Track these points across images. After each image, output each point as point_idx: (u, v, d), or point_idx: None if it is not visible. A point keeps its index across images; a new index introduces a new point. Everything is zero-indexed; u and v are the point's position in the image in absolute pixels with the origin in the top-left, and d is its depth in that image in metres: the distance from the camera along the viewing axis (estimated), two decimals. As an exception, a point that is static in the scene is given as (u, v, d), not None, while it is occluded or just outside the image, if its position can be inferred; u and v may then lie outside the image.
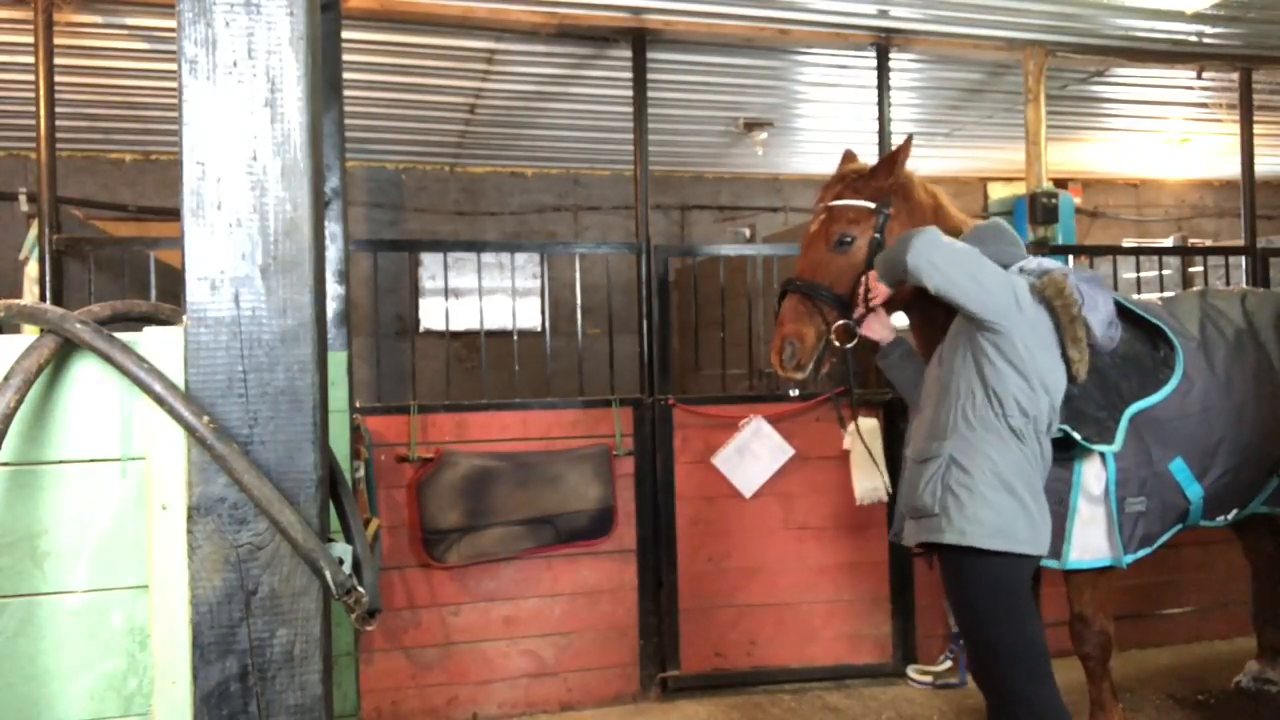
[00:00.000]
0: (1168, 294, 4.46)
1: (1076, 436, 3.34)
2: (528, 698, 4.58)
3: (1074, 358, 3.00)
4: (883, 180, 3.47)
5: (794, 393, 4.82)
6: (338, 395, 2.54)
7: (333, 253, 2.98)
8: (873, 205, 3.43)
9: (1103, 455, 3.45)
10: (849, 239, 3.41)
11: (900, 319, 3.69)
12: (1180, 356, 3.67)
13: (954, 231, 3.36)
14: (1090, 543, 3.48)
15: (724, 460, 4.76)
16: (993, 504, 2.82)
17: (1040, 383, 2.92)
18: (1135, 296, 4.06)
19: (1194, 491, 3.63)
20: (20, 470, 1.36)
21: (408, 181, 8.58)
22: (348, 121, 4.33)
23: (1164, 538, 3.65)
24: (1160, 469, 3.57)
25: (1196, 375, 3.69)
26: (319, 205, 1.48)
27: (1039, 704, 2.78)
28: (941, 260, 2.85)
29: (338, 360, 2.58)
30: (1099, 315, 3.08)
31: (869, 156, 5.36)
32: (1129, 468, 3.49)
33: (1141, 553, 3.56)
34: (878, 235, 3.40)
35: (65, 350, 1.37)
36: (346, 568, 1.40)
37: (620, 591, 4.69)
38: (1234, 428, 3.70)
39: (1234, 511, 3.84)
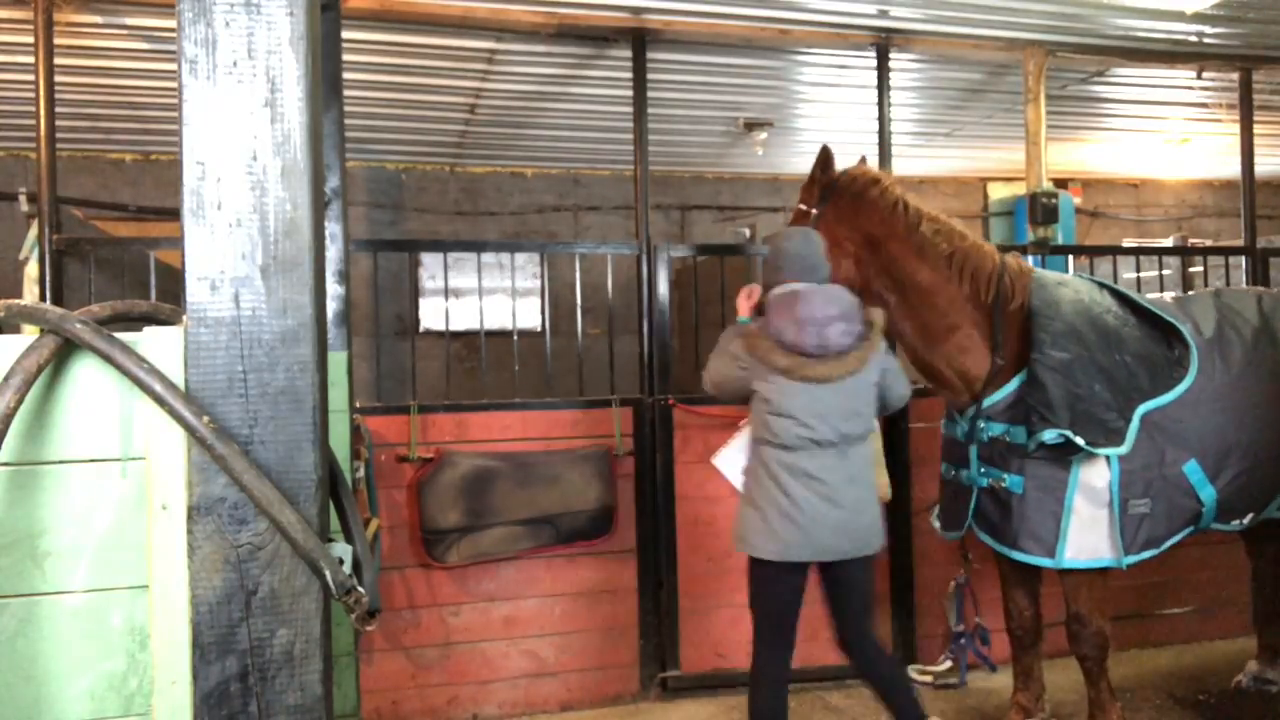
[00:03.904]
0: (1169, 293, 4.45)
1: (1080, 442, 3.32)
2: (528, 698, 4.58)
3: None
4: (812, 186, 3.91)
5: None
6: (338, 395, 2.54)
7: (333, 253, 2.98)
8: (804, 207, 3.89)
9: (1108, 457, 3.44)
10: None
11: None
12: (1195, 356, 3.66)
13: (907, 227, 3.73)
14: (1088, 543, 3.47)
15: (724, 460, 4.73)
16: (739, 516, 3.54)
17: (776, 411, 3.35)
18: (1150, 296, 4.05)
19: (1207, 494, 3.60)
20: (20, 470, 1.36)
21: (408, 181, 8.57)
22: (348, 121, 4.33)
23: (1172, 540, 3.62)
24: (1172, 471, 3.54)
25: (1212, 375, 3.66)
26: (319, 205, 1.48)
27: (755, 665, 3.52)
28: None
29: (338, 360, 2.58)
30: (789, 334, 3.30)
31: (870, 157, 5.39)
32: (1134, 470, 3.47)
33: (1145, 554, 3.54)
34: None
35: (65, 350, 1.37)
36: (346, 568, 1.40)
37: (620, 591, 4.69)
38: (1249, 429, 3.67)
39: (1249, 516, 3.78)
